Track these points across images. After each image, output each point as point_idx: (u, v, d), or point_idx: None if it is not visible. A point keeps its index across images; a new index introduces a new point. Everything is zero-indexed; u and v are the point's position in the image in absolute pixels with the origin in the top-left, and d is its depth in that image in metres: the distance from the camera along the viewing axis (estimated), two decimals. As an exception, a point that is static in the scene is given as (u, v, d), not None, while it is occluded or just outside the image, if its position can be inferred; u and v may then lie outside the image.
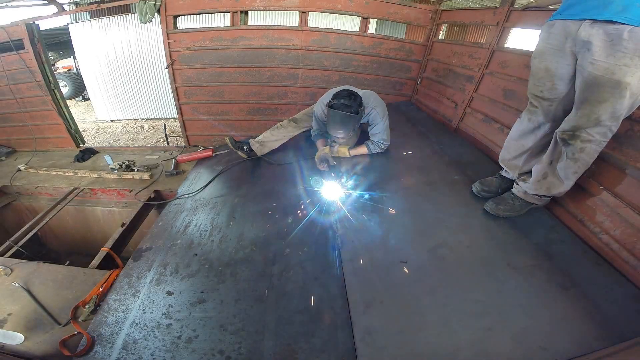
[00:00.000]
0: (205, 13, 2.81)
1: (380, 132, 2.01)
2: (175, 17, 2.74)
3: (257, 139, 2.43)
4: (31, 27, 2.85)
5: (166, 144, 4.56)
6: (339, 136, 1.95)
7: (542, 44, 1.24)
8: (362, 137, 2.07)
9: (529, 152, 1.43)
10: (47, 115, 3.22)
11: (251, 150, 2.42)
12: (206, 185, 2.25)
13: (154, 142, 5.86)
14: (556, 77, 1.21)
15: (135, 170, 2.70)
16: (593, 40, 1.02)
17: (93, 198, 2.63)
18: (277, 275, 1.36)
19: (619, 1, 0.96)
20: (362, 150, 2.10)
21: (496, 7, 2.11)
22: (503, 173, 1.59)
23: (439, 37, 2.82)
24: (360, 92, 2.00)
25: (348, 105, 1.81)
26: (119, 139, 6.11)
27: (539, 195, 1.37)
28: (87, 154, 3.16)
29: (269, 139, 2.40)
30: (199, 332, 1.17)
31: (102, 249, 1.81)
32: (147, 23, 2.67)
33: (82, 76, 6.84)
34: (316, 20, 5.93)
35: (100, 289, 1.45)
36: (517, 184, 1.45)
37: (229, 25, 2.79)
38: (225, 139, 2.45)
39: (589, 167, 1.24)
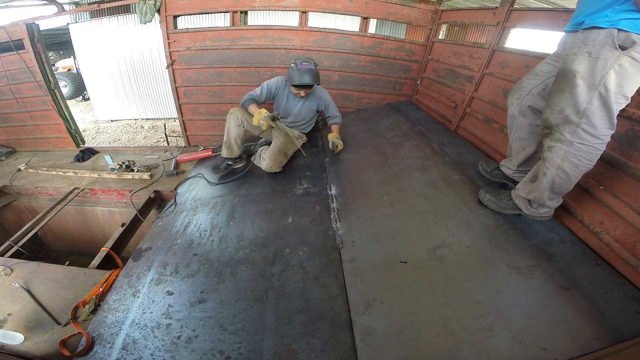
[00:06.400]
0: (205, 13, 2.80)
1: (334, 109, 2.50)
2: (175, 17, 2.74)
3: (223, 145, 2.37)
4: (31, 27, 2.85)
5: (166, 144, 4.56)
6: (305, 82, 2.16)
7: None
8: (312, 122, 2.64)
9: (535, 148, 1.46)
10: (47, 115, 3.22)
11: (230, 159, 2.38)
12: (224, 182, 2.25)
13: (154, 142, 5.86)
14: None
15: (135, 170, 2.70)
16: (564, 39, 1.21)
17: (93, 198, 2.63)
18: (277, 275, 1.36)
19: (579, 17, 1.11)
20: (338, 128, 2.46)
21: (496, 7, 2.11)
22: (501, 167, 1.64)
23: (439, 37, 2.82)
24: None
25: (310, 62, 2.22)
26: (119, 139, 6.11)
27: (525, 200, 1.36)
28: (87, 154, 3.16)
29: (228, 139, 2.32)
30: (199, 332, 1.18)
31: (102, 249, 1.81)
32: (147, 23, 2.67)
33: (82, 76, 6.84)
34: (316, 20, 5.94)
35: (100, 289, 1.45)
36: (515, 181, 1.48)
37: (229, 25, 2.79)
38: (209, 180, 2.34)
39: (566, 175, 1.18)
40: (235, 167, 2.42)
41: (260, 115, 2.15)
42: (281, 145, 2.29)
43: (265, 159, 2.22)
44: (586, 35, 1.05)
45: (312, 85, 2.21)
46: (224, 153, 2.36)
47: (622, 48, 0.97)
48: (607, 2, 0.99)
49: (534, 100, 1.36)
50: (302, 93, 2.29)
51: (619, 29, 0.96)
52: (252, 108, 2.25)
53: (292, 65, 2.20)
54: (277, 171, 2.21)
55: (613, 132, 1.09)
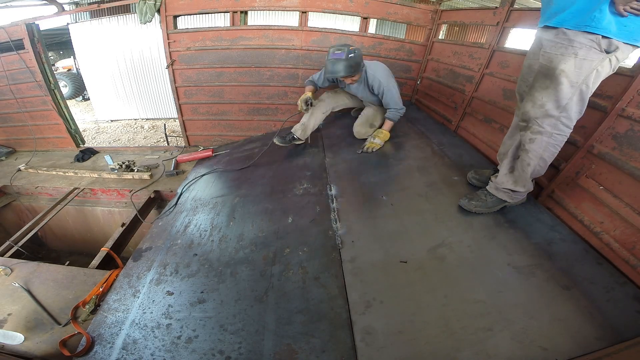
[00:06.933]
0: (205, 13, 2.80)
1: (390, 100, 2.19)
2: (175, 17, 2.74)
3: (298, 124, 2.46)
4: (31, 27, 2.85)
5: (166, 144, 4.56)
6: (334, 75, 2.09)
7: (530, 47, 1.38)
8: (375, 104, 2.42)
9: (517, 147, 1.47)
10: (47, 115, 3.22)
11: (298, 137, 2.44)
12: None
13: (154, 142, 5.86)
14: (533, 72, 1.32)
15: (135, 170, 2.70)
16: (545, 36, 1.19)
17: (93, 198, 2.63)
18: (277, 275, 1.36)
19: (561, 14, 1.11)
20: (389, 124, 2.25)
21: (496, 7, 2.11)
22: (498, 167, 1.62)
23: (439, 37, 2.82)
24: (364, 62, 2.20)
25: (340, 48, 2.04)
26: (119, 139, 6.11)
27: (510, 191, 1.39)
28: (87, 154, 3.17)
29: (307, 119, 2.41)
30: (199, 332, 1.18)
31: (102, 249, 1.81)
32: (147, 23, 2.67)
33: (82, 76, 6.84)
34: (316, 20, 5.94)
35: (100, 289, 1.45)
36: (491, 180, 1.48)
37: (229, 25, 2.79)
38: (274, 141, 2.44)
39: (545, 163, 1.28)
40: (296, 143, 2.49)
41: (303, 97, 2.27)
42: (369, 115, 2.39)
43: (354, 125, 2.39)
44: (571, 37, 1.08)
45: (347, 75, 2.08)
46: (298, 132, 2.42)
47: (607, 52, 1.05)
48: (589, 1, 1.01)
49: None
50: (348, 80, 2.20)
51: (603, 36, 1.02)
52: (306, 89, 2.37)
53: (328, 52, 2.09)
54: (363, 138, 2.34)
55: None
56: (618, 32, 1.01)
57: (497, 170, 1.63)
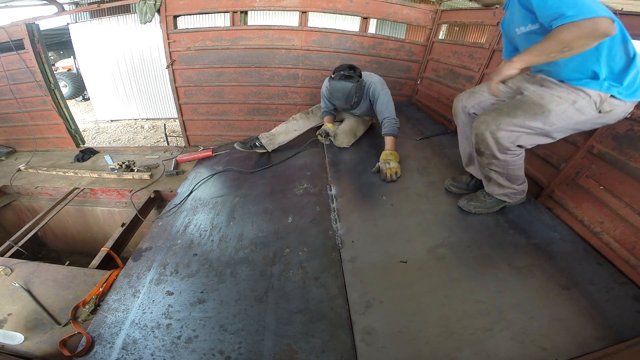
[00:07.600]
0: (205, 13, 2.80)
1: (383, 104, 2.05)
2: (175, 17, 2.74)
3: (267, 133, 2.48)
4: (31, 27, 2.85)
5: (166, 144, 4.56)
6: (341, 104, 2.11)
7: None
8: (368, 112, 2.35)
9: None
10: (47, 115, 3.22)
11: (261, 145, 2.45)
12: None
13: (154, 142, 5.86)
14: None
15: (135, 170, 2.70)
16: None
17: (93, 198, 2.63)
18: (277, 275, 1.36)
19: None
20: (391, 140, 1.99)
21: (496, 7, 2.11)
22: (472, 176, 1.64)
23: (439, 37, 2.82)
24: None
25: (347, 75, 1.99)
26: (119, 139, 6.11)
27: (504, 194, 1.40)
28: (87, 154, 3.16)
29: (279, 132, 2.46)
30: (199, 332, 1.18)
31: (102, 249, 1.81)
32: (147, 23, 2.67)
33: (82, 76, 6.84)
34: (316, 20, 5.94)
35: (100, 289, 1.45)
36: None
37: (229, 25, 2.79)
38: (235, 145, 2.48)
39: (512, 171, 1.28)
40: (257, 151, 2.49)
41: (322, 128, 2.29)
42: (352, 125, 2.37)
43: (337, 135, 2.31)
44: (558, 84, 1.09)
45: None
46: (264, 140, 2.43)
47: (600, 111, 1.05)
48: (595, 72, 1.02)
49: (478, 109, 1.39)
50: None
51: (611, 95, 1.02)
52: (325, 120, 2.39)
53: (330, 79, 2.05)
54: (345, 147, 2.31)
55: None
56: (625, 93, 1.01)
57: (471, 175, 1.62)
